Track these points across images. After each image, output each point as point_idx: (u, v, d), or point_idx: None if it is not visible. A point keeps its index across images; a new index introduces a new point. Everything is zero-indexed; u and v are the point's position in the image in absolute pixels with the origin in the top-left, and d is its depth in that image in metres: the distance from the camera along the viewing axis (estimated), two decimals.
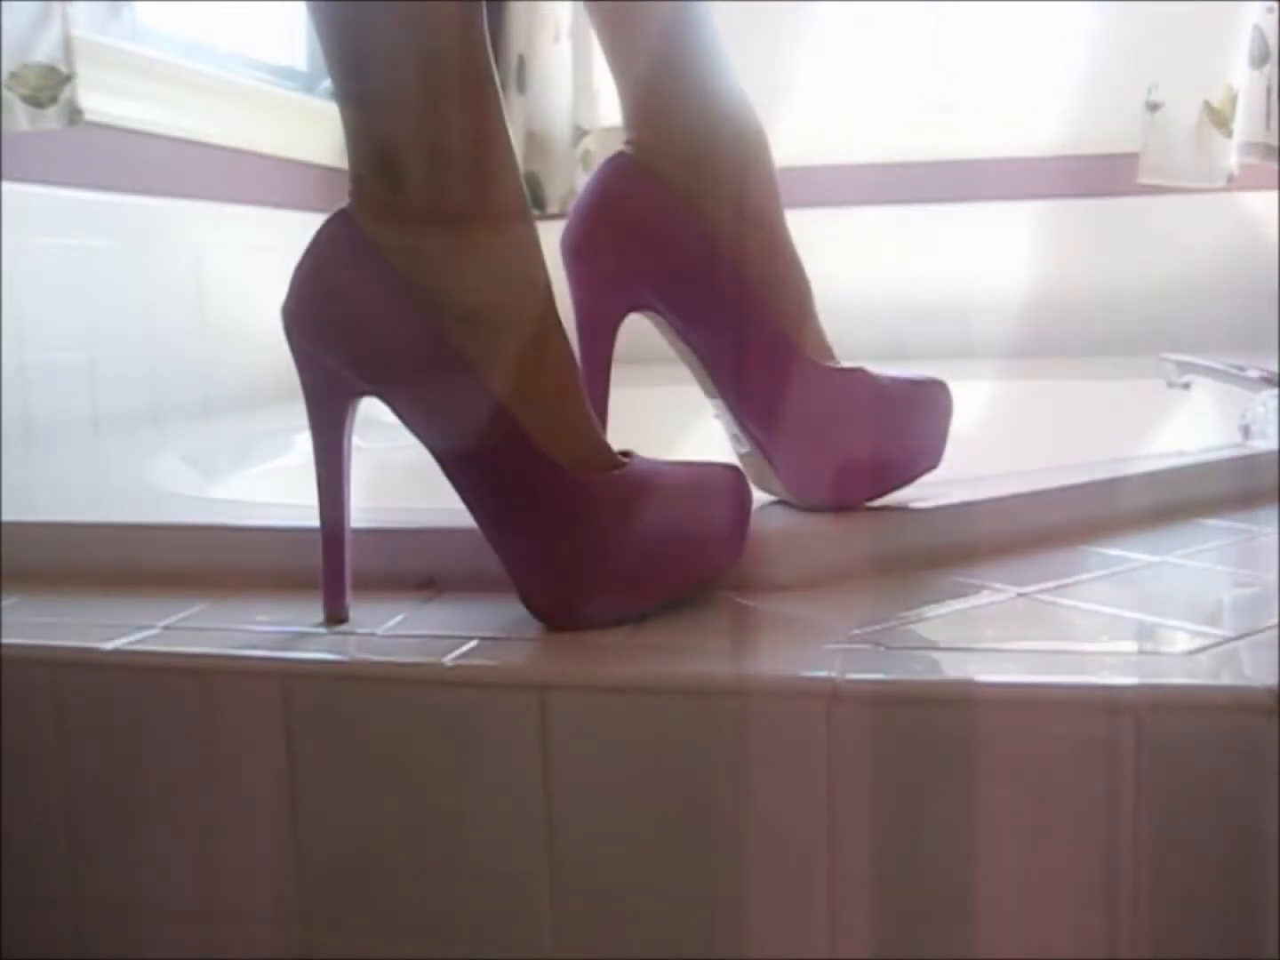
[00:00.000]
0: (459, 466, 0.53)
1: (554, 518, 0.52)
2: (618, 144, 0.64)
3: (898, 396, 0.65)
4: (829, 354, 0.65)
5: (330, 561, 0.56)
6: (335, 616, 0.56)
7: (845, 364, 0.64)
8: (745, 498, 0.57)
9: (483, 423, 0.52)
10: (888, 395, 0.64)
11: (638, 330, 0.66)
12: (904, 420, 0.65)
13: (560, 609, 0.54)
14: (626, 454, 0.56)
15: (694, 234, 0.62)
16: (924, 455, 0.66)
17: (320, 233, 0.54)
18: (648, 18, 0.62)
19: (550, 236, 0.58)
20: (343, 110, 0.54)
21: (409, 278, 0.53)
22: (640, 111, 0.63)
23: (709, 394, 0.65)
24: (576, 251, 0.63)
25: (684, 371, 0.66)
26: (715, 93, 0.62)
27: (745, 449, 0.65)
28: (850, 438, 0.63)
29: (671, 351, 0.66)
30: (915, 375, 0.66)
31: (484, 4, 0.53)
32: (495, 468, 0.53)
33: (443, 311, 0.53)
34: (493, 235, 0.53)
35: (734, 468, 0.57)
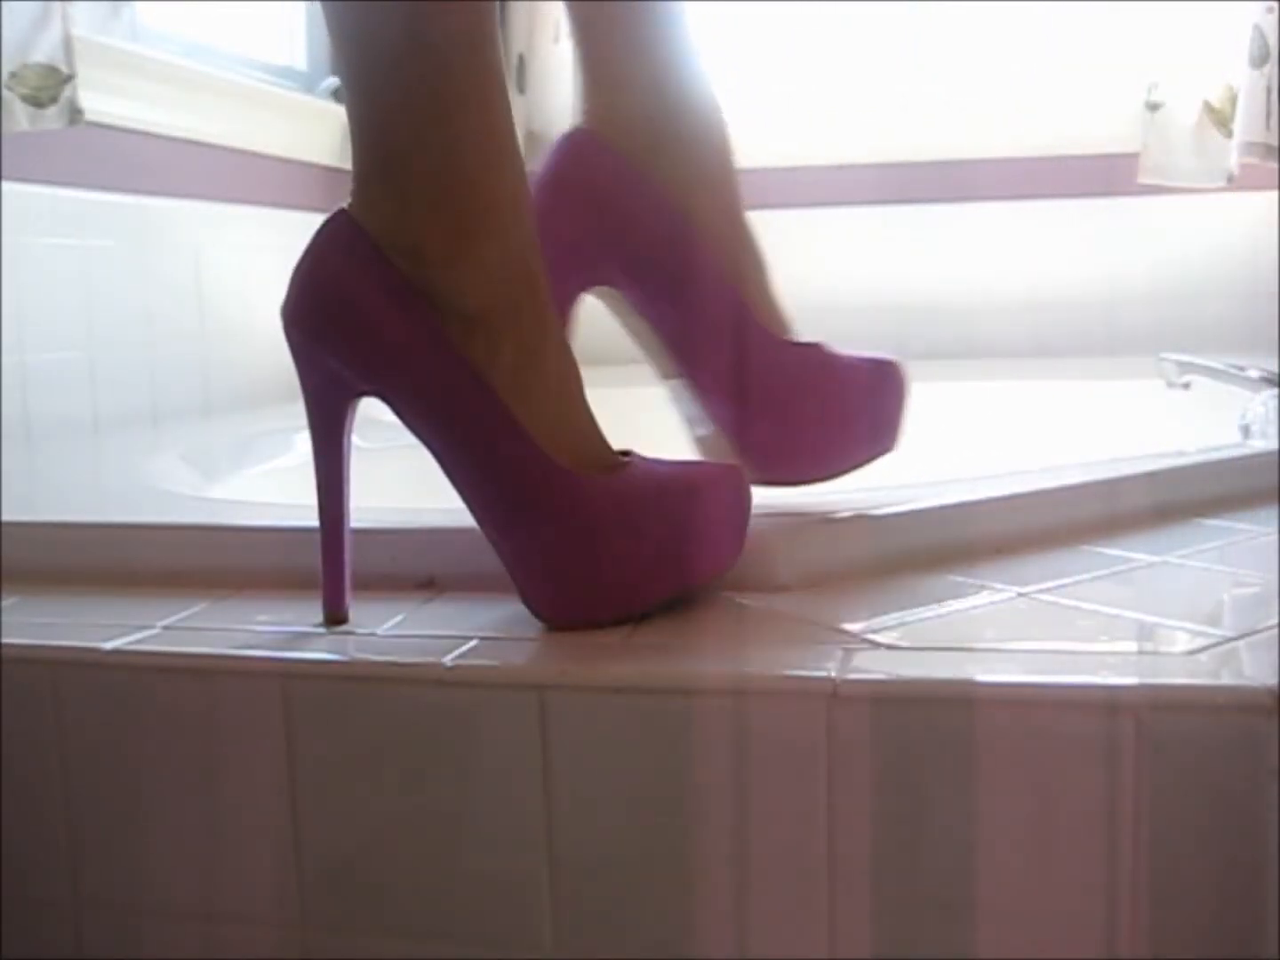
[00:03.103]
0: (459, 466, 0.53)
1: (554, 517, 0.52)
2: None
3: (854, 373, 0.65)
4: (788, 328, 0.65)
5: (330, 561, 0.56)
6: (335, 616, 0.56)
7: (804, 339, 0.65)
8: (745, 497, 0.57)
9: (483, 422, 0.52)
10: (845, 371, 0.64)
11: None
12: (862, 397, 0.65)
13: (560, 609, 0.54)
14: (626, 454, 0.56)
15: (654, 207, 0.62)
16: (882, 435, 0.66)
17: (320, 231, 0.54)
18: None
19: None
20: (350, 107, 0.54)
21: (411, 277, 0.53)
22: (599, 84, 0.63)
23: (665, 375, 0.65)
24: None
25: None
26: (675, 69, 0.63)
27: (703, 431, 0.65)
28: (810, 413, 0.63)
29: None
30: (872, 355, 0.66)
31: (496, 4, 0.53)
32: (495, 468, 0.53)
33: (444, 311, 0.53)
34: (495, 235, 0.53)
35: (734, 467, 0.57)
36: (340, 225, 0.54)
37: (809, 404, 0.63)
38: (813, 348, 0.64)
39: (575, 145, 0.63)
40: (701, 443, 0.65)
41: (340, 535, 0.56)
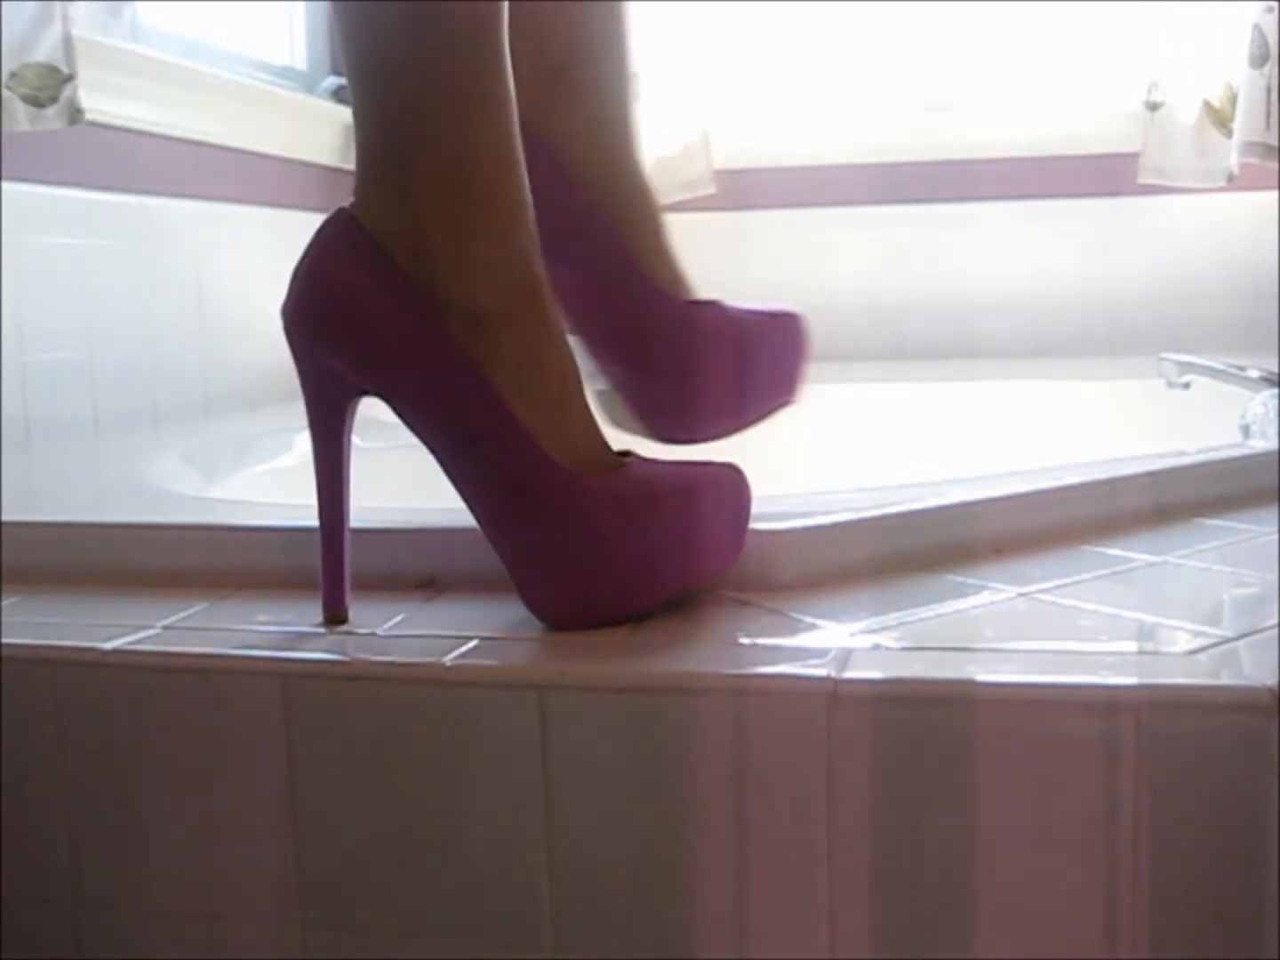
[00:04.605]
0: (459, 466, 0.53)
1: (554, 517, 0.52)
2: None
3: (753, 327, 0.63)
4: (685, 287, 0.63)
5: (330, 561, 0.56)
6: (335, 616, 0.56)
7: (700, 297, 0.63)
8: (745, 497, 0.57)
9: (484, 422, 0.52)
10: (743, 327, 0.63)
11: None
12: (759, 352, 0.63)
13: (560, 609, 0.54)
14: (626, 454, 0.56)
15: (533, 159, 0.56)
16: (779, 388, 0.65)
17: (321, 231, 0.54)
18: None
19: None
20: (355, 106, 0.54)
21: (413, 277, 0.53)
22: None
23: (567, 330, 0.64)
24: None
25: None
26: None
27: (602, 385, 0.64)
28: (707, 371, 0.62)
29: None
30: (771, 307, 0.65)
31: (504, 5, 0.53)
32: (496, 468, 0.53)
33: (445, 311, 0.53)
34: (498, 236, 0.53)
35: (734, 467, 0.57)
36: (342, 225, 0.54)
37: (700, 361, 0.62)
38: (707, 305, 0.62)
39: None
40: (600, 397, 0.64)
41: (340, 535, 0.56)
